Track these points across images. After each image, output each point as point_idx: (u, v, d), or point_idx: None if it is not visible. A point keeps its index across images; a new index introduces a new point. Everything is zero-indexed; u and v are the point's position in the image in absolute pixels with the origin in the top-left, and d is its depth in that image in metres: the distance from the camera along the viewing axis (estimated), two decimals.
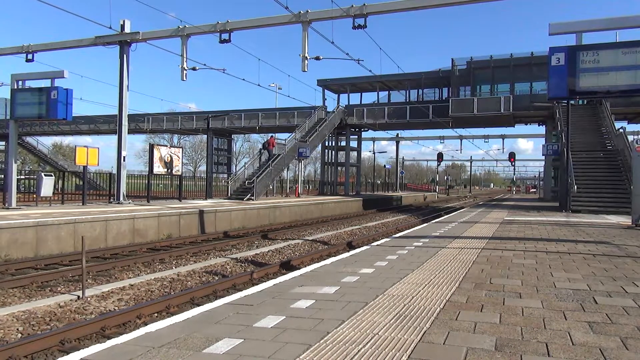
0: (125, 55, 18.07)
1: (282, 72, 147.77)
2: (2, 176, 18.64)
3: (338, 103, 37.53)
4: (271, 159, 25.31)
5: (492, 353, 2.81)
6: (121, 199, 17.95)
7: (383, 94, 36.65)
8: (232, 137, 41.32)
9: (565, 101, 20.14)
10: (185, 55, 17.14)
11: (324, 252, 11.92)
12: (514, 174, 76.06)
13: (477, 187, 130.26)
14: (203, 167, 64.56)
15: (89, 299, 7.18)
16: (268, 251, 12.34)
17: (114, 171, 19.34)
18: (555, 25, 10.07)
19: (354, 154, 38.66)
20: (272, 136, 27.60)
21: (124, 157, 18.16)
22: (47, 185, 15.83)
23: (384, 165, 62.92)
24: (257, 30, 68.03)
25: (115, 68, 18.39)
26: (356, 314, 3.69)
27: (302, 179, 35.87)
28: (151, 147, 20.66)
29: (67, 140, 67.03)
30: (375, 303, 4.02)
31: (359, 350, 2.86)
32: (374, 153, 56.29)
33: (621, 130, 20.97)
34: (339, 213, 26.04)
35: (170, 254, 11.41)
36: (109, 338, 4.32)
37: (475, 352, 2.83)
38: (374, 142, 55.24)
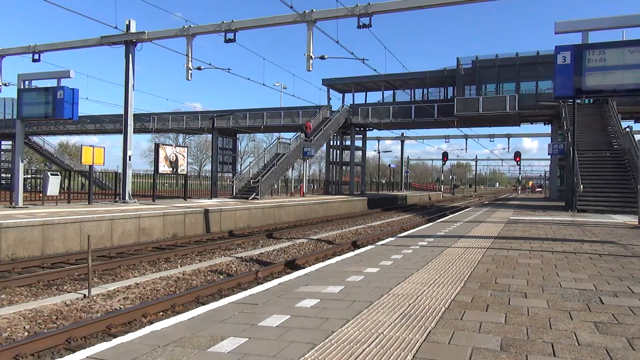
0: (130, 55, 18.15)
1: (287, 71, 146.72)
2: (9, 175, 18.78)
3: (343, 102, 37.54)
4: (309, 140, 28.31)
5: (498, 353, 2.80)
6: (127, 198, 18.03)
7: (388, 94, 36.59)
8: (237, 136, 41.45)
9: (572, 100, 20.06)
10: (190, 55, 17.20)
11: (328, 251, 11.91)
12: (520, 173, 75.72)
13: (483, 187, 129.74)
14: (208, 167, 64.65)
15: (95, 297, 7.23)
16: (273, 250, 12.35)
17: (120, 170, 19.43)
18: (561, 24, 10.03)
19: (358, 153, 38.61)
20: (308, 121, 30.61)
21: (130, 156, 18.24)
22: (54, 185, 15.94)
23: (389, 165, 62.88)
24: (262, 30, 68.00)
25: (121, 68, 18.48)
26: (361, 313, 3.69)
27: (307, 178, 35.84)
28: (157, 146, 20.73)
29: (74, 139, 67.52)
30: (380, 302, 4.02)
31: (363, 350, 2.86)
32: (378, 152, 56.13)
33: (628, 129, 20.84)
34: (343, 212, 26.02)
35: (175, 253, 11.46)
36: (115, 336, 4.35)
37: (480, 352, 2.82)
38: (378, 141, 55.10)
